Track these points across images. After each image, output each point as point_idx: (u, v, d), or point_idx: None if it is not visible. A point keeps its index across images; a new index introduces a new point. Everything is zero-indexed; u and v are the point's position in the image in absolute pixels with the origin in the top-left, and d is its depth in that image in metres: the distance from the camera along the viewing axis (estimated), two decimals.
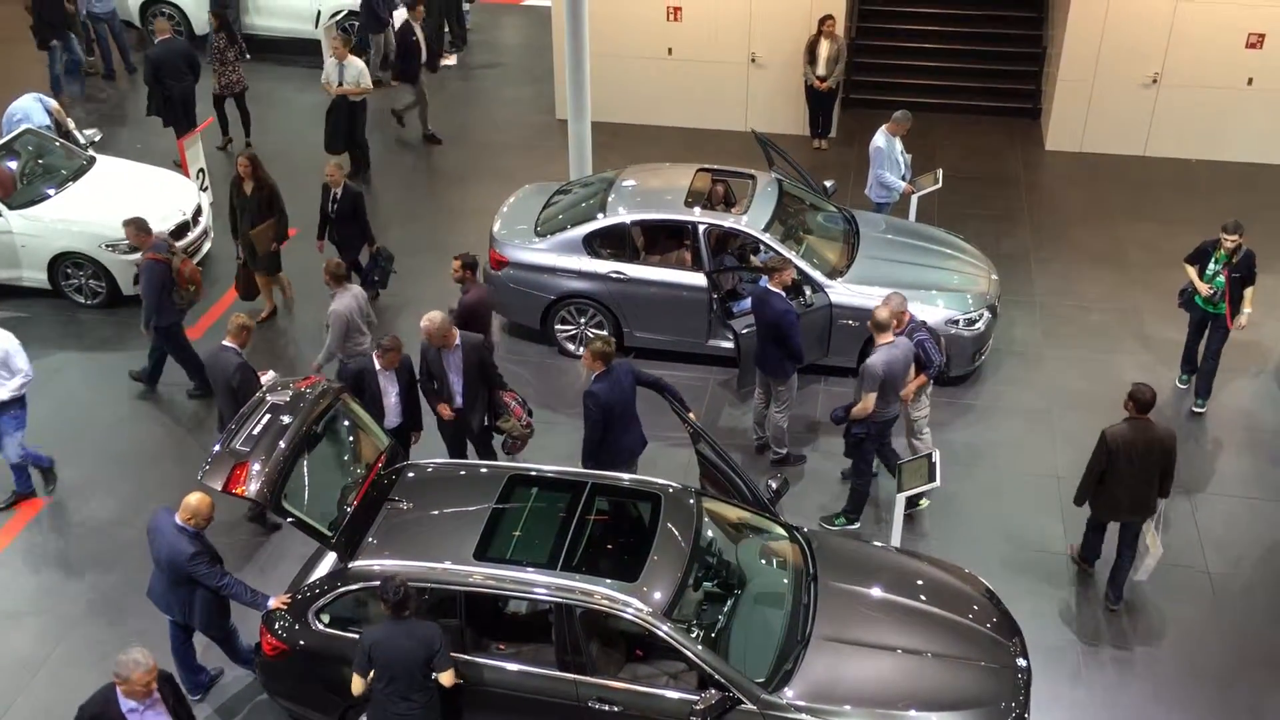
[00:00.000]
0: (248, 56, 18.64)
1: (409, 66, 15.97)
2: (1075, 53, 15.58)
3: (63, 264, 12.74)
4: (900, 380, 9.55)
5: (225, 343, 9.58)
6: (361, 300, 10.54)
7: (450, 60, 16.59)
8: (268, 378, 9.81)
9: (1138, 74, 15.55)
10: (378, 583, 7.38)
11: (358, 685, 7.25)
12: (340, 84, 14.71)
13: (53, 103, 14.50)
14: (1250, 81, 15.34)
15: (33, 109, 14.30)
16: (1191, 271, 11.01)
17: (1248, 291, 10.79)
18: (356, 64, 14.77)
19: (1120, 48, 15.39)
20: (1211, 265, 10.83)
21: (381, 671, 7.15)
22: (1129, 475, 8.71)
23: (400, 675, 7.14)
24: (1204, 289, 10.87)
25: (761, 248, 11.63)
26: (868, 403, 9.37)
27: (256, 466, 7.57)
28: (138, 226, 11.14)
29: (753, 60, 16.30)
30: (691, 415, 9.07)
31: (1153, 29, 15.23)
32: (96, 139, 14.43)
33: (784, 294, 10.26)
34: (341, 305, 10.26)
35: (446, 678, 7.21)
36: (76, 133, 14.39)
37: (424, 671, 7.15)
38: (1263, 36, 15.06)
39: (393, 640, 7.12)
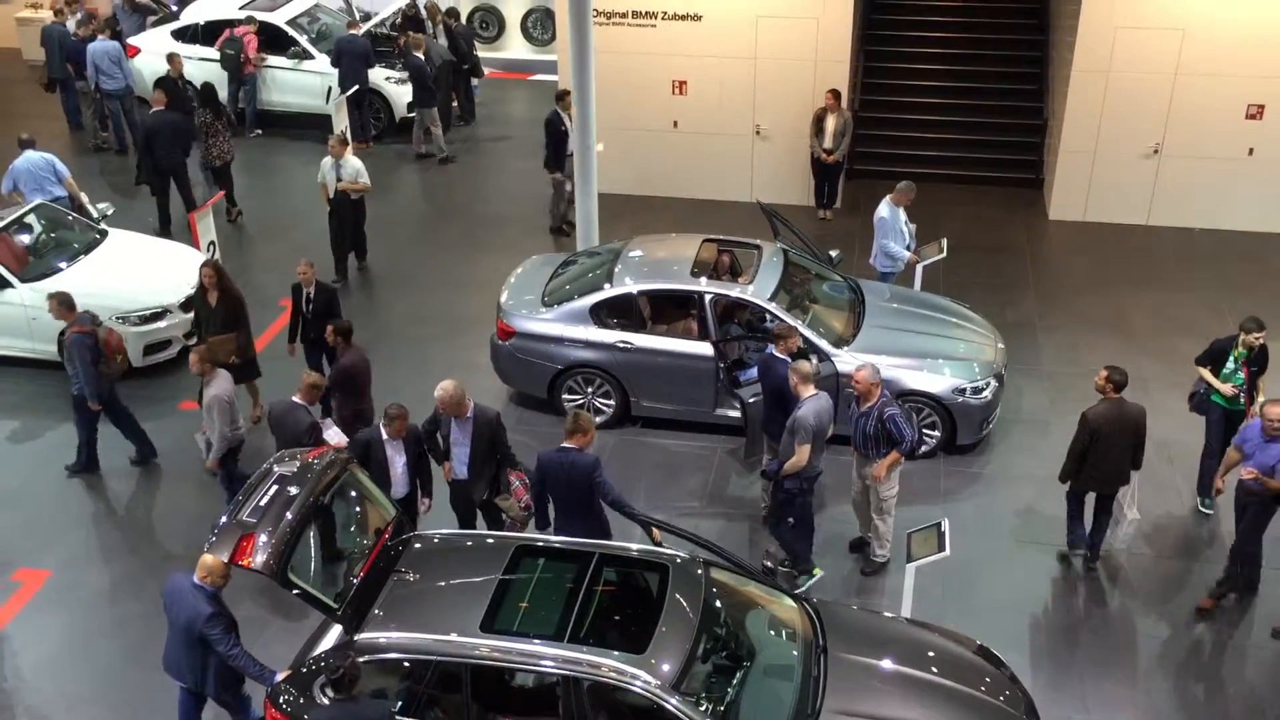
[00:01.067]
0: (258, 132, 18.96)
1: (556, 155, 15.52)
2: (1076, 124, 15.74)
3: None
4: (826, 431, 9.60)
5: (295, 399, 9.80)
6: (231, 382, 10.46)
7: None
8: (330, 433, 9.94)
9: (1139, 145, 15.68)
10: (385, 655, 7.32)
11: None
12: (339, 180, 14.31)
13: (65, 172, 14.65)
14: (1251, 152, 15.47)
15: (45, 175, 14.38)
16: (1206, 373, 10.46)
17: (1261, 380, 10.45)
18: (354, 162, 14.42)
19: (1121, 119, 15.55)
20: (1230, 364, 10.35)
21: None
22: (1109, 450, 9.71)
23: None
24: (1228, 390, 10.30)
25: (768, 317, 11.68)
26: (802, 455, 9.40)
27: (263, 538, 7.55)
28: (60, 301, 11.12)
29: (757, 132, 16.48)
30: (657, 533, 8.99)
31: (1153, 101, 15.39)
32: (109, 212, 14.55)
33: (790, 360, 10.29)
34: (221, 389, 10.16)
35: None
36: (89, 206, 14.54)
37: None
38: (1262, 108, 15.21)
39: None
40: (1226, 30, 14.84)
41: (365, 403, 10.64)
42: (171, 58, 17.09)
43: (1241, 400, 10.39)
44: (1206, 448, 10.73)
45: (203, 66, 18.70)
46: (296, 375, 10.93)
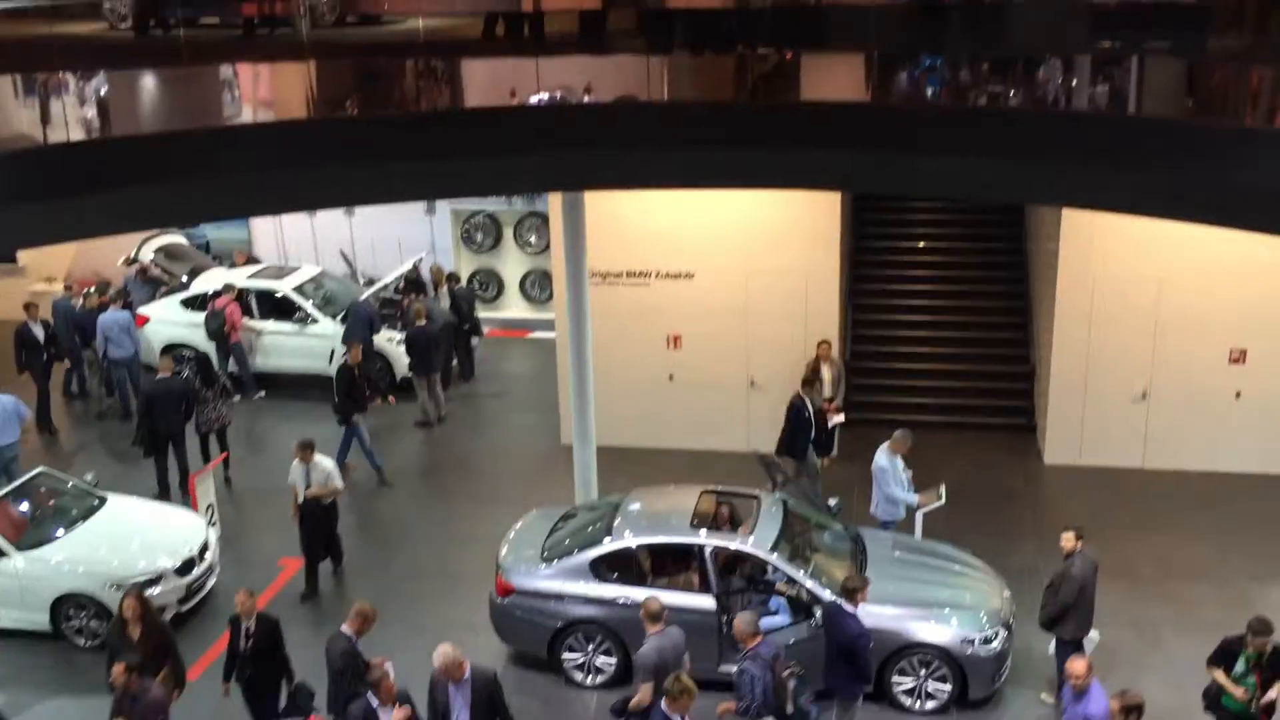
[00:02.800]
0: (237, 397, 18.88)
1: (792, 439, 14.86)
2: (1063, 371, 15.99)
3: (65, 605, 12.62)
4: (671, 668, 9.64)
5: (343, 628, 10.02)
6: None
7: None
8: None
9: (1127, 390, 15.86)
10: None
11: None
12: (309, 486, 13.50)
13: (26, 414, 15.24)
14: (1238, 395, 15.65)
15: (8, 420, 14.98)
16: (1219, 675, 10.03)
17: (1277, 686, 9.82)
18: (325, 464, 13.65)
19: (1107, 365, 15.79)
20: (1240, 665, 9.90)
21: None
22: (1091, 595, 10.98)
23: None
24: (1239, 693, 9.83)
25: (769, 568, 11.56)
26: (645, 693, 9.54)
27: None
28: None
29: (751, 384, 16.75)
30: None
31: (1136, 348, 15.65)
32: (94, 482, 14.24)
33: (858, 616, 10.23)
34: None
35: None
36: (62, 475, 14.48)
37: None
38: (1244, 352, 15.49)
39: None
40: (1203, 278, 15.22)
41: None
42: (351, 348, 16.69)
43: (1254, 707, 9.86)
44: None
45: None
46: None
